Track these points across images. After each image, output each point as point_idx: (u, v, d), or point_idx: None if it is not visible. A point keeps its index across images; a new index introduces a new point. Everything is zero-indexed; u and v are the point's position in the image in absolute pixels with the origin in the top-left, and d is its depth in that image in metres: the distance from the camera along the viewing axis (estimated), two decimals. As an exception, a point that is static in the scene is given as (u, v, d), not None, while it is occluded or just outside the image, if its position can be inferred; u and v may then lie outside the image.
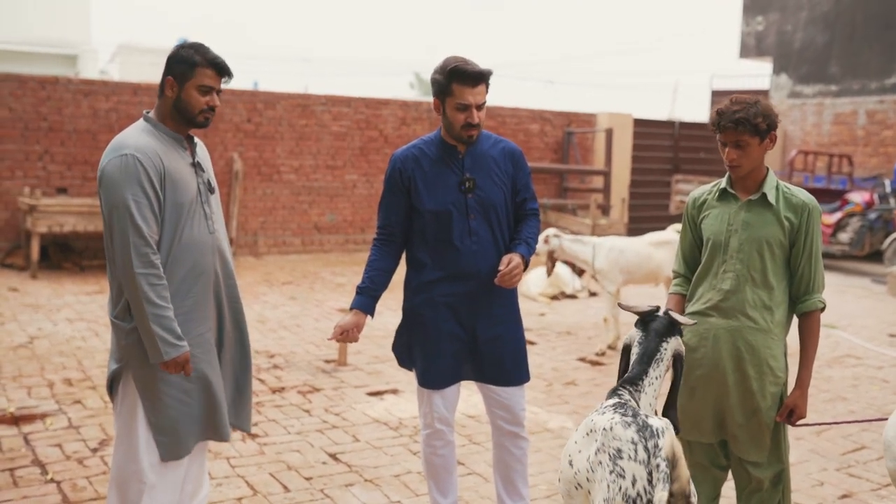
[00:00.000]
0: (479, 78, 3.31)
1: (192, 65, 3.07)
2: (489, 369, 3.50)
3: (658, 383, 2.92)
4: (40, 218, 10.17)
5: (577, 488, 2.68)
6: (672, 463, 2.44)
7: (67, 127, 11.51)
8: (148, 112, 3.16)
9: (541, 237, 7.59)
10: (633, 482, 2.46)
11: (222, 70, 3.14)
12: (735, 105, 3.06)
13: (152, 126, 3.12)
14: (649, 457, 2.48)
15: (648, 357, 2.92)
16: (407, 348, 3.60)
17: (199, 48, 3.12)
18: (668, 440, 2.48)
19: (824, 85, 17.26)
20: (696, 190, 3.39)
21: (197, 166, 3.19)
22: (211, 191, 3.24)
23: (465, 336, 3.46)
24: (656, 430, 2.54)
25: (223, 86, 3.19)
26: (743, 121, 3.02)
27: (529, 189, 3.59)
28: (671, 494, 2.41)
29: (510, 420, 3.57)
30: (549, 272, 8.01)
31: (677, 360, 2.97)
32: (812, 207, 3.13)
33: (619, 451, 2.52)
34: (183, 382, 3.12)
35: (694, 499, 2.52)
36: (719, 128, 3.08)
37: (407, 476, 4.46)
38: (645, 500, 2.43)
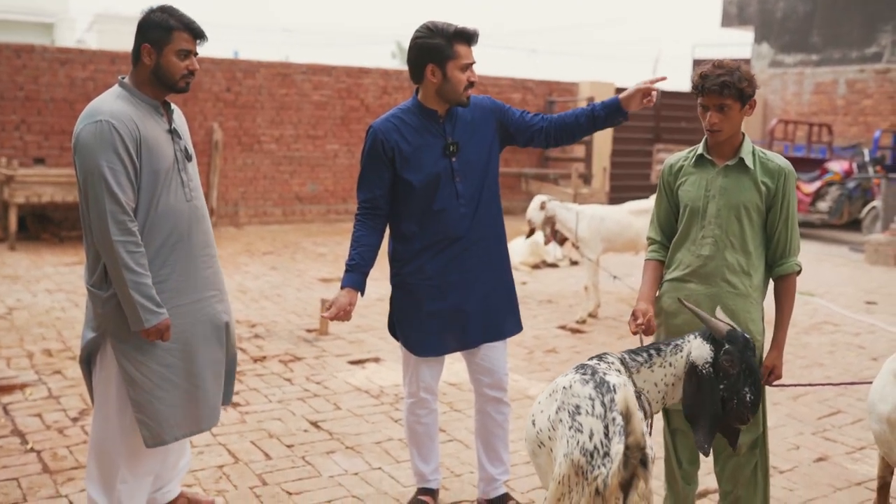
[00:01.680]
0: (478, 37, 3.38)
1: (167, 29, 3.02)
2: (476, 331, 3.50)
3: (672, 373, 2.89)
4: (18, 189, 10.07)
5: (539, 447, 2.73)
6: (626, 417, 2.47)
7: (44, 96, 11.36)
8: (123, 77, 3.10)
9: (536, 203, 7.58)
10: (591, 436, 2.50)
11: (198, 33, 3.10)
12: (719, 69, 3.07)
13: (128, 92, 3.06)
14: (605, 411, 2.53)
15: (671, 341, 2.96)
16: (396, 318, 3.59)
17: (171, 11, 3.06)
18: (622, 394, 2.52)
19: (805, 54, 17.28)
20: (671, 157, 3.39)
21: (174, 133, 3.14)
22: (188, 158, 3.19)
23: (453, 301, 3.46)
24: (612, 385, 2.60)
25: (199, 48, 3.13)
26: (729, 84, 3.03)
27: (523, 111, 3.59)
28: (626, 447, 2.45)
29: (493, 385, 3.59)
30: (549, 240, 7.89)
31: (693, 372, 2.88)
32: (788, 172, 3.16)
33: (577, 407, 2.57)
34: (164, 356, 3.08)
35: (650, 451, 2.53)
36: (703, 91, 3.08)
37: (388, 443, 4.49)
38: (602, 452, 2.47)
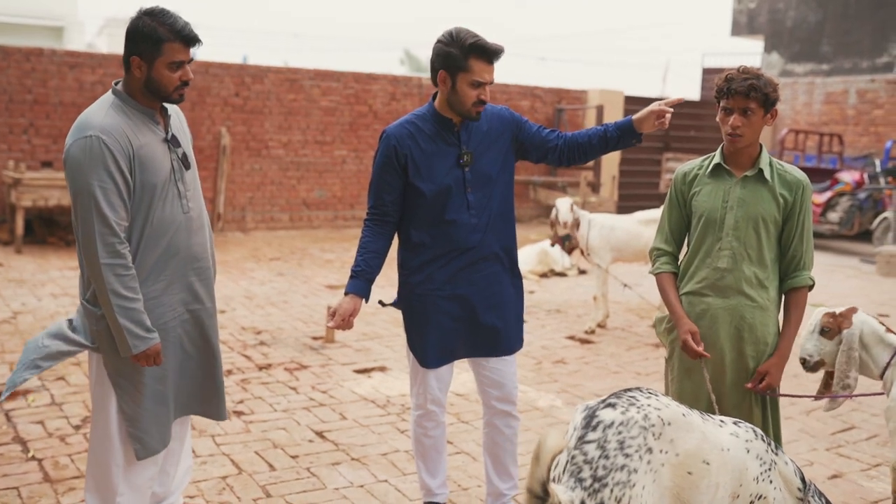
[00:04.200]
0: (498, 55, 3.23)
1: (157, 41, 2.82)
2: (487, 341, 3.44)
3: None
4: (25, 192, 10.04)
5: None
6: (534, 457, 2.37)
7: (53, 100, 11.35)
8: (117, 83, 2.96)
9: (567, 205, 7.53)
10: (556, 465, 2.43)
11: (190, 40, 2.88)
12: (745, 73, 3.03)
13: (121, 101, 2.91)
14: (574, 446, 2.41)
15: None
16: (404, 328, 3.52)
17: (161, 18, 2.84)
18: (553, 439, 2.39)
19: (815, 64, 17.21)
20: (683, 165, 3.30)
21: (171, 142, 3.00)
22: (186, 166, 3.04)
23: (463, 313, 3.39)
24: (599, 422, 2.43)
25: (195, 51, 2.98)
26: (756, 87, 2.99)
27: (541, 126, 3.47)
28: (527, 489, 2.38)
29: (503, 398, 3.52)
30: (568, 247, 7.84)
31: None
32: (805, 184, 3.12)
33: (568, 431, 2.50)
34: (157, 370, 3.00)
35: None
36: (728, 93, 3.02)
37: (394, 455, 4.42)
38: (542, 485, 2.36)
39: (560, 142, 3.42)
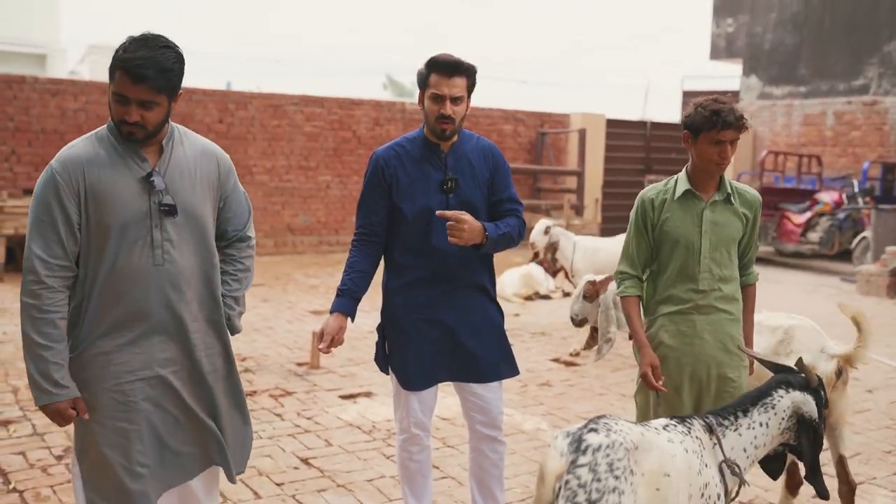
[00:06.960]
0: (455, 68, 3.25)
1: (112, 68, 2.50)
2: (468, 367, 3.44)
3: (764, 432, 2.80)
4: (6, 219, 10.00)
5: None
6: (539, 479, 2.46)
7: (35, 127, 11.33)
8: None
9: (541, 227, 7.59)
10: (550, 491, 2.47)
11: (135, 75, 2.45)
12: (727, 105, 3.10)
13: (108, 130, 2.63)
14: (567, 471, 2.44)
15: (754, 398, 2.85)
16: (385, 351, 3.53)
17: (128, 44, 2.51)
18: (553, 462, 2.45)
19: (793, 86, 17.42)
20: (647, 191, 3.33)
21: (154, 182, 2.60)
22: (169, 213, 2.63)
23: (444, 337, 3.41)
24: (587, 446, 2.46)
25: (151, 95, 2.52)
26: (743, 119, 3.10)
27: (509, 189, 3.48)
28: None
29: (488, 423, 3.52)
30: (552, 269, 7.96)
31: (804, 423, 2.84)
32: (760, 201, 3.31)
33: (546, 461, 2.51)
34: (114, 435, 2.62)
35: None
36: (723, 125, 3.06)
37: (380, 481, 4.40)
38: None
39: (498, 210, 3.46)
